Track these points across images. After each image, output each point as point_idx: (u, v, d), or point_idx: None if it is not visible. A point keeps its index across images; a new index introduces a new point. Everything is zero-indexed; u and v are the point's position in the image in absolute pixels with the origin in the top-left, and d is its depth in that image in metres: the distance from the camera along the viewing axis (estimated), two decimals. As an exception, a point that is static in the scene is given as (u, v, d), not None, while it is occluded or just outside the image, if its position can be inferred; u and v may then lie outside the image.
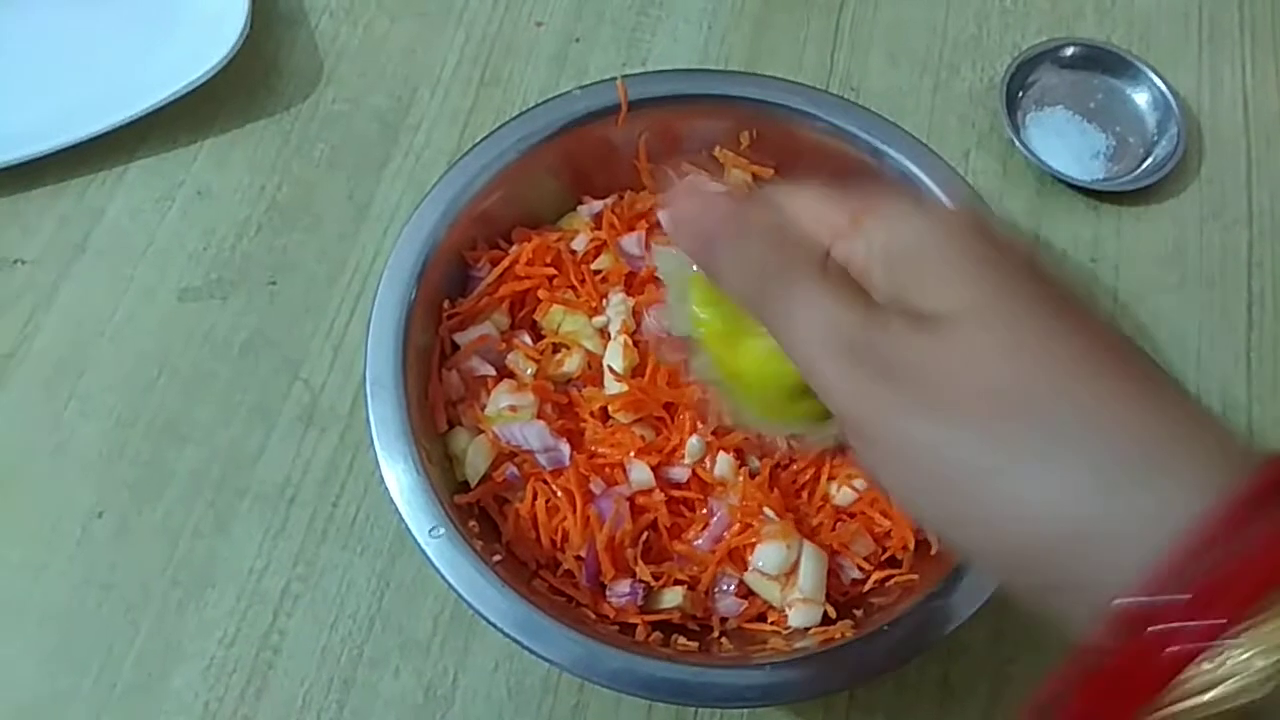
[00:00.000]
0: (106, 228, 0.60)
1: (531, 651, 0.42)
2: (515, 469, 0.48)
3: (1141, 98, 0.64)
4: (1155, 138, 0.63)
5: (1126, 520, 0.23)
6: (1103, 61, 0.65)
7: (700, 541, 0.47)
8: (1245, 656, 0.21)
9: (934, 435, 0.25)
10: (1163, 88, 0.64)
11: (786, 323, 0.28)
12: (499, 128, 0.52)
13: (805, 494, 0.48)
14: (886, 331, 0.26)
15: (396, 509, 0.44)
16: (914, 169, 0.51)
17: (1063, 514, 0.24)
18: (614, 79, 0.53)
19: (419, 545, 0.43)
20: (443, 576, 0.43)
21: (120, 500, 0.53)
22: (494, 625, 0.42)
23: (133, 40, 0.64)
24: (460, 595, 0.43)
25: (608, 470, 0.48)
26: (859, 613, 0.45)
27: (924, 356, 0.26)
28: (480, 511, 0.48)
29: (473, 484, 0.48)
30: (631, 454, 0.48)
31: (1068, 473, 0.24)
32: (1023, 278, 0.26)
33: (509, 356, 0.51)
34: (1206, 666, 0.21)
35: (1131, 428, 0.24)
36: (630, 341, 0.50)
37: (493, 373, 0.50)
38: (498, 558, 0.44)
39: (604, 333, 0.51)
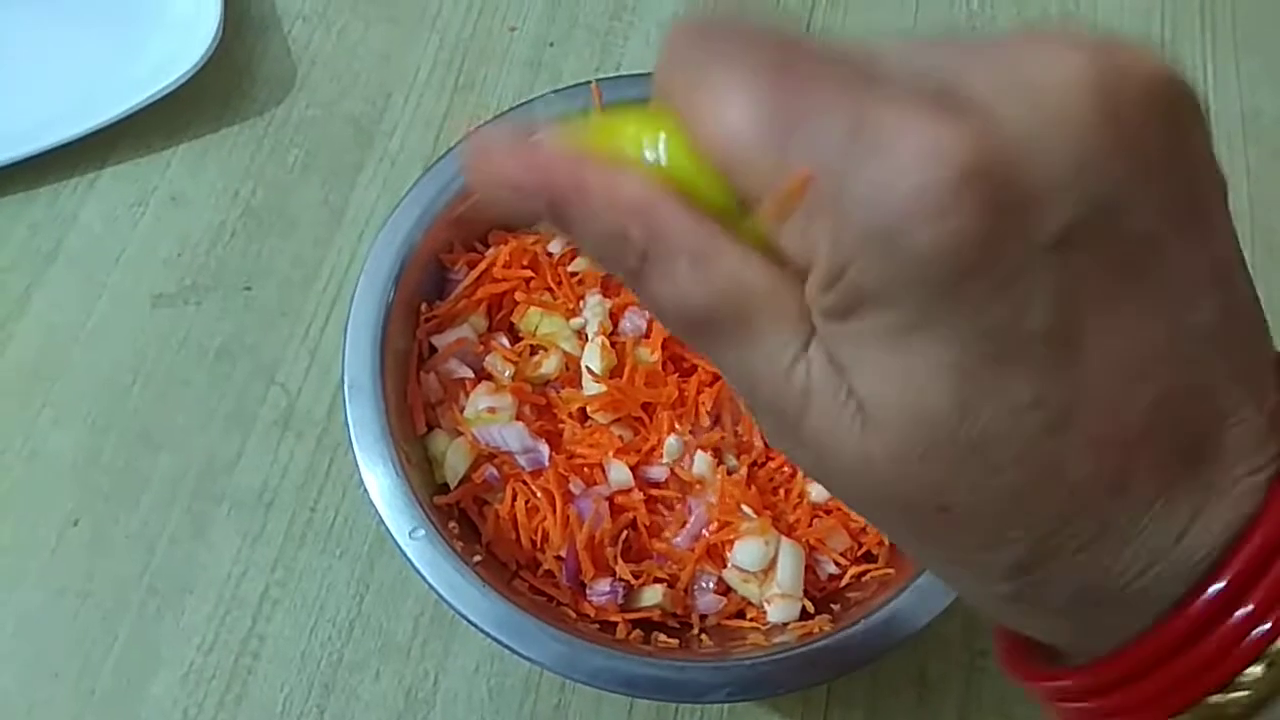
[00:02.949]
0: (79, 234, 0.60)
1: (514, 651, 0.42)
2: (494, 470, 0.48)
3: (1106, 100, 0.66)
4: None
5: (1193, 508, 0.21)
6: (1067, 65, 0.66)
7: (679, 539, 0.47)
8: None
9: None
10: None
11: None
12: (475, 130, 0.53)
13: (782, 491, 0.49)
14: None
15: (376, 512, 0.44)
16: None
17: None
18: (588, 83, 0.53)
19: (399, 547, 0.44)
20: (424, 578, 0.43)
21: (96, 507, 0.53)
22: (476, 626, 0.42)
23: (104, 46, 0.63)
24: (441, 596, 0.43)
25: (587, 470, 0.48)
26: (836, 607, 0.46)
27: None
28: (460, 513, 0.48)
29: (452, 486, 0.48)
30: (610, 454, 0.48)
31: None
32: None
33: (487, 359, 0.51)
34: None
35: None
36: (608, 343, 0.50)
37: (471, 375, 0.50)
38: (478, 559, 0.45)
39: (581, 334, 0.51)
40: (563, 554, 0.46)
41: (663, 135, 0.21)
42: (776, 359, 0.21)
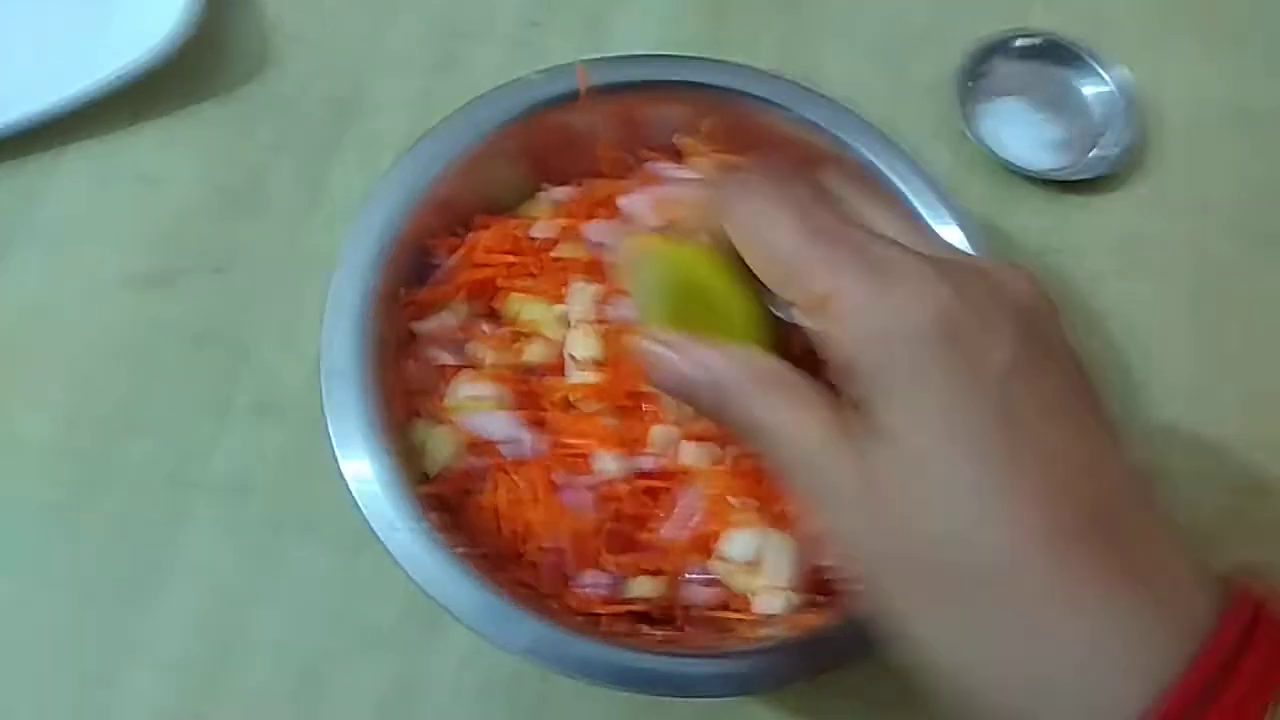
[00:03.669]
0: (45, 214, 0.58)
1: (498, 644, 0.41)
2: (478, 460, 0.47)
3: (1093, 88, 0.65)
4: (1106, 128, 0.64)
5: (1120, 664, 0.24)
6: (1055, 52, 0.66)
7: (667, 531, 0.47)
8: None
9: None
10: (1114, 78, 0.65)
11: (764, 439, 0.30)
12: (457, 112, 0.51)
13: (772, 481, 0.48)
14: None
15: (356, 502, 0.43)
16: (875, 161, 0.51)
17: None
18: (574, 64, 0.52)
19: (380, 539, 0.43)
20: (405, 571, 0.42)
21: (68, 495, 0.51)
22: (461, 621, 0.41)
23: (72, 18, 0.61)
24: (423, 590, 0.42)
25: (572, 460, 0.47)
26: (827, 599, 0.45)
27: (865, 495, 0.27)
28: (443, 504, 0.47)
29: (434, 476, 0.47)
30: (597, 444, 0.47)
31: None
32: (987, 406, 0.26)
33: (470, 346, 0.50)
34: None
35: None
36: (594, 329, 0.49)
37: (453, 362, 0.49)
38: (461, 550, 0.44)
39: (566, 321, 0.50)
40: (548, 545, 0.45)
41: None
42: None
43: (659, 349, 0.32)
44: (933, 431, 0.26)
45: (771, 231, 0.29)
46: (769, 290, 0.31)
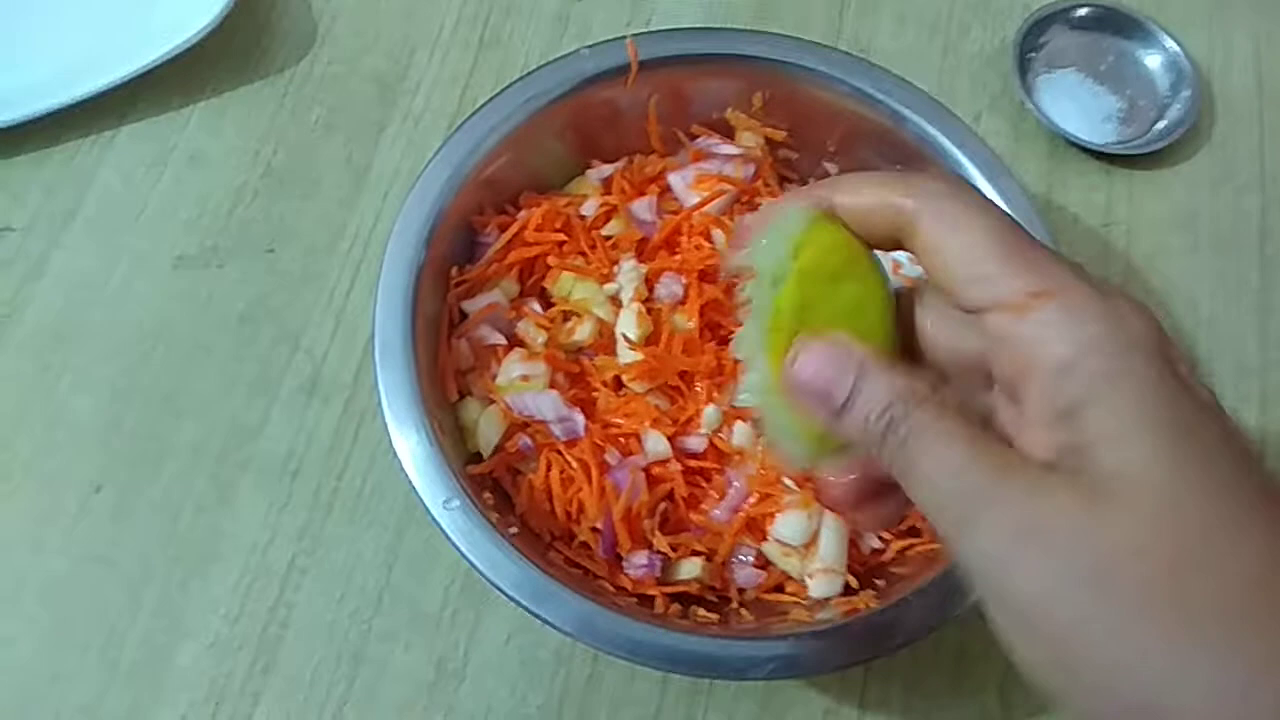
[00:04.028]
0: (97, 194, 0.58)
1: (554, 627, 0.41)
2: (528, 439, 0.47)
3: (1153, 60, 0.63)
4: (1167, 101, 0.62)
5: None
6: (1114, 23, 0.64)
7: (718, 512, 0.46)
8: None
9: (1082, 614, 0.24)
10: (1175, 50, 0.63)
11: (910, 470, 0.27)
12: (505, 89, 0.51)
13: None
14: (1042, 495, 0.25)
15: (407, 480, 0.43)
16: (933, 132, 0.50)
17: None
18: (622, 38, 0.52)
19: (432, 517, 0.42)
20: (459, 549, 0.42)
21: (119, 474, 0.51)
22: (515, 601, 0.41)
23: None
24: (475, 566, 0.42)
25: (623, 440, 0.47)
26: (881, 583, 0.45)
27: (1085, 529, 0.24)
28: (493, 483, 0.47)
29: (485, 455, 0.47)
30: (647, 424, 0.47)
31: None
32: (1211, 437, 0.25)
33: (519, 325, 0.50)
34: None
35: None
36: (643, 309, 0.49)
37: (503, 341, 0.49)
38: (513, 530, 0.43)
39: (615, 300, 0.50)
40: (599, 526, 0.45)
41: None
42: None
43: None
44: (1162, 445, 0.24)
45: (975, 229, 0.28)
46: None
